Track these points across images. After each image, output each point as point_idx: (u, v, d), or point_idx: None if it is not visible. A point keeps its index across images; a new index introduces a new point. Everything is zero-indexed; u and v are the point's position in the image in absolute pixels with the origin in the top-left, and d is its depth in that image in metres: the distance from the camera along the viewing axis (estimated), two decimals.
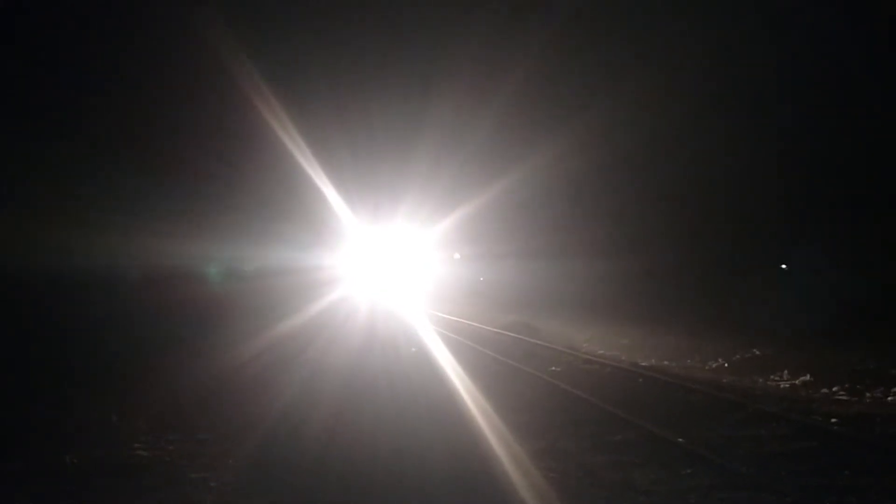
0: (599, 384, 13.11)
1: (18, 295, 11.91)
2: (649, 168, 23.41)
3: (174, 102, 15.47)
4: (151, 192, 14.78)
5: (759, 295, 19.27)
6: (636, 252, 23.26)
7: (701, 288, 21.37)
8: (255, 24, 17.30)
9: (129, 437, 8.31)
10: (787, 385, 12.81)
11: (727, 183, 21.10)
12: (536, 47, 20.64)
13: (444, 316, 28.88)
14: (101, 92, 14.93)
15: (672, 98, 20.61)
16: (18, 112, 13.75)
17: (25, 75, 13.81)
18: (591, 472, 7.45)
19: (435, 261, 38.12)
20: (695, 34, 19.41)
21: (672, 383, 12.71)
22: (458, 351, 16.75)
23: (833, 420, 9.50)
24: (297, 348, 14.17)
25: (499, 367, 15.34)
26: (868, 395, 11.41)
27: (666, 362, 16.18)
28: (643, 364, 15.59)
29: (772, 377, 13.54)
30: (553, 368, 15.17)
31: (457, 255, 38.50)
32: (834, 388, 11.96)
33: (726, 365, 15.37)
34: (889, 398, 11.09)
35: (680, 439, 8.52)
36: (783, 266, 21.29)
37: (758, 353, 15.73)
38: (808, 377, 12.93)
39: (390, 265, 29.91)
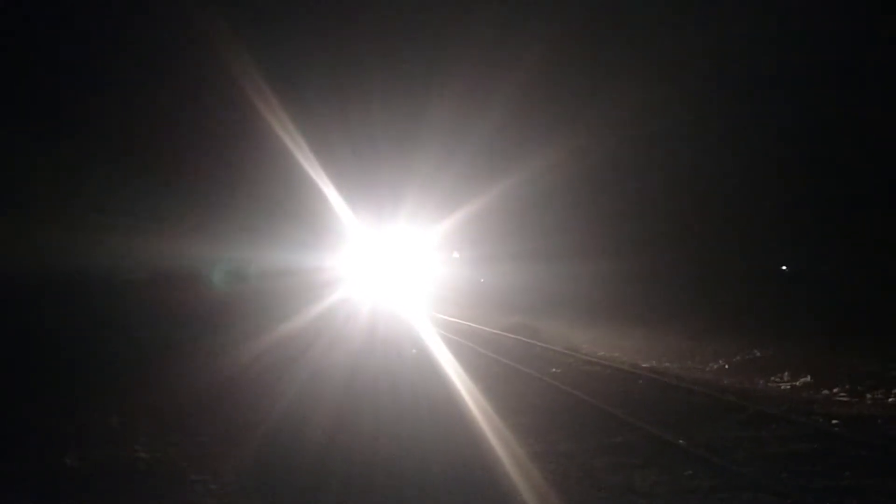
0: (600, 386, 13.11)
1: (20, 296, 11.91)
2: (650, 169, 23.41)
3: (175, 104, 15.47)
4: (151, 193, 14.78)
5: (759, 296, 19.27)
6: (637, 253, 23.24)
7: (701, 289, 21.36)
8: (257, 26, 17.30)
9: (129, 439, 8.31)
10: (788, 386, 12.80)
11: (727, 183, 21.09)
12: (538, 48, 20.63)
13: (445, 317, 28.88)
14: (102, 94, 14.93)
15: (673, 98, 20.61)
16: (21, 114, 13.77)
17: (29, 77, 13.83)
18: (592, 474, 7.45)
19: (436, 262, 38.13)
20: (694, 34, 19.41)
21: (672, 385, 12.70)
22: (458, 352, 16.76)
23: (834, 421, 9.49)
24: (297, 350, 14.17)
25: (500, 368, 15.34)
26: (869, 396, 11.40)
27: (666, 364, 16.18)
28: (644, 365, 15.59)
29: (772, 378, 13.53)
30: (554, 370, 15.17)
31: (455, 255, 38.48)
32: (835, 390, 11.94)
33: (727, 366, 15.36)
34: (890, 399, 11.08)
35: (681, 441, 8.52)
36: (783, 267, 21.28)
37: (758, 354, 15.72)
38: (808, 378, 12.92)
39: (391, 266, 29.90)
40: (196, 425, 9.08)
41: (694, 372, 15.01)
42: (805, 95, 17.87)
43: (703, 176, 21.34)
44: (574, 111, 23.16)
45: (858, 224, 17.60)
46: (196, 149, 15.63)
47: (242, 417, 9.50)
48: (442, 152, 24.06)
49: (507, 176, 25.82)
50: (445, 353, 16.07)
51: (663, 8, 20.27)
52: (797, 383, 12.85)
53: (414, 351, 16.59)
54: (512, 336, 21.57)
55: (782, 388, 12.76)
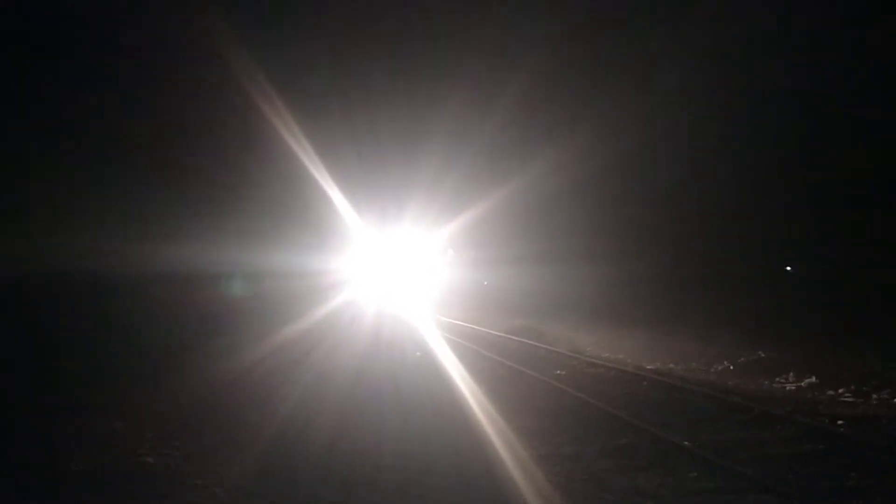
0: (604, 388, 13.10)
1: (21, 296, 11.93)
2: (653, 171, 23.39)
3: (179, 107, 15.51)
4: (153, 194, 14.80)
5: (762, 297, 19.23)
6: (641, 255, 23.22)
7: (705, 291, 21.32)
8: (262, 29, 17.34)
9: (133, 442, 8.32)
10: (793, 387, 12.78)
11: (731, 185, 21.06)
12: (542, 52, 20.66)
13: (449, 320, 28.89)
14: (104, 95, 14.97)
15: (674, 99, 20.60)
16: (23, 114, 13.81)
17: (32, 80, 13.87)
18: (597, 477, 7.44)
19: (440, 265, 38.11)
20: (696, 35, 19.40)
21: (677, 386, 12.69)
22: (462, 355, 16.77)
23: (839, 422, 9.46)
24: (302, 352, 14.18)
25: (504, 371, 15.34)
26: (874, 396, 11.37)
27: (671, 365, 16.16)
28: (648, 367, 15.58)
29: (777, 379, 13.50)
30: (558, 372, 15.16)
31: (451, 252, 38.39)
32: (840, 390, 11.92)
33: (731, 367, 15.34)
34: (895, 400, 11.05)
35: (685, 442, 8.51)
36: (788, 268, 21.24)
37: (763, 355, 15.69)
38: (813, 379, 12.89)
39: (396, 268, 29.90)
40: (200, 428, 9.10)
41: (698, 373, 14.99)
42: (805, 95, 17.85)
43: (704, 176, 21.31)
44: (576, 113, 23.17)
45: (858, 224, 17.55)
46: (199, 151, 15.64)
47: (246, 420, 9.51)
48: (446, 155, 24.08)
49: (511, 178, 25.84)
50: (450, 355, 16.08)
51: (663, 8, 20.27)
52: (802, 384, 12.82)
53: (418, 354, 16.59)
54: (516, 338, 21.57)
55: (787, 388, 12.74)
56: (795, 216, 19.46)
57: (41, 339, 11.17)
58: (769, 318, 17.87)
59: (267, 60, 15.92)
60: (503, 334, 22.99)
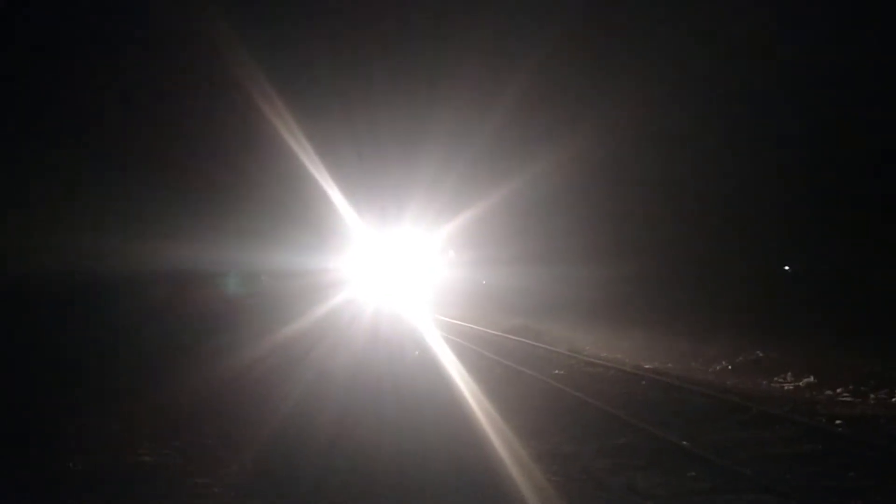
0: (603, 387, 13.11)
1: (24, 299, 11.96)
2: (652, 171, 23.40)
3: (180, 107, 15.52)
4: (154, 195, 14.82)
5: (761, 296, 19.25)
6: (639, 255, 23.24)
7: (703, 291, 21.34)
8: (262, 30, 17.35)
9: (133, 442, 8.34)
10: (791, 387, 12.80)
11: (729, 184, 21.08)
12: (541, 51, 20.67)
13: (448, 319, 28.91)
14: (106, 96, 14.98)
15: (674, 100, 20.62)
16: (28, 115, 13.83)
17: (34, 82, 13.89)
18: (595, 476, 7.46)
19: (439, 264, 38.11)
20: (695, 35, 19.42)
21: (675, 385, 12.69)
22: (461, 354, 16.77)
23: (837, 422, 9.48)
24: (302, 351, 14.20)
25: (502, 370, 15.36)
26: (872, 396, 11.39)
27: (669, 365, 16.17)
28: (646, 367, 15.58)
29: (775, 379, 13.52)
30: (556, 371, 15.18)
31: (451, 253, 38.40)
32: (838, 390, 11.94)
33: (730, 367, 15.35)
34: (893, 399, 11.07)
35: (684, 442, 8.53)
36: (786, 268, 21.27)
37: (761, 355, 15.70)
38: (811, 379, 12.91)
39: (395, 268, 29.91)
40: (200, 428, 9.11)
41: (697, 373, 15.01)
42: (805, 96, 17.87)
43: (704, 176, 21.33)
44: (576, 113, 23.19)
45: (858, 224, 17.57)
46: (199, 151, 15.67)
47: (247, 419, 9.53)
48: (446, 155, 24.10)
49: (510, 178, 25.86)
50: (448, 354, 16.08)
51: (663, 8, 20.29)
52: (800, 384, 12.84)
53: (417, 353, 16.61)
54: (514, 338, 21.58)
55: (785, 388, 12.76)
56: (795, 216, 19.47)
57: (41, 339, 11.19)
58: (768, 318, 17.89)
59: (267, 60, 15.93)
60: (502, 334, 23.00)
